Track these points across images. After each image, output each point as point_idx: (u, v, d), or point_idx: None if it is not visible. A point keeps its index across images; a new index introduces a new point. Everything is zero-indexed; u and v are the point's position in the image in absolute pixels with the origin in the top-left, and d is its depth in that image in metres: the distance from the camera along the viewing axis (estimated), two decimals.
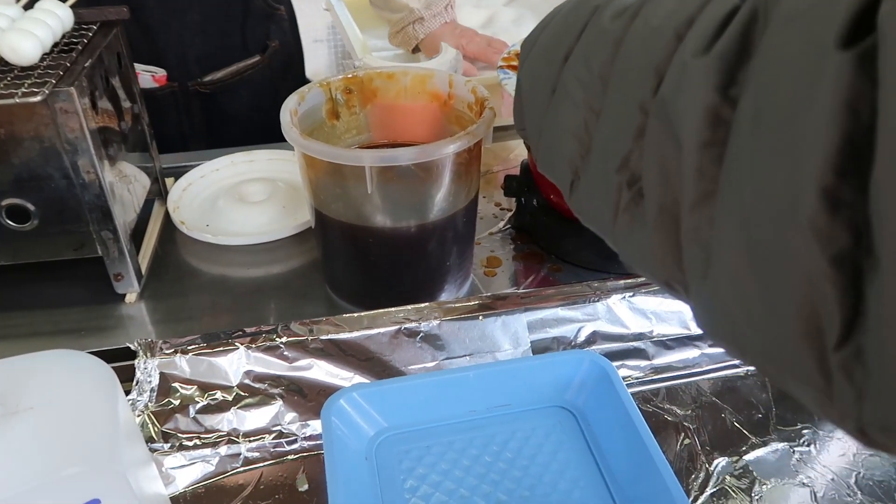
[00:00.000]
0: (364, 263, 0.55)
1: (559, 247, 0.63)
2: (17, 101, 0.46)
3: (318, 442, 0.45)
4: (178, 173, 0.73)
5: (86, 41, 0.55)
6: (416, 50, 0.95)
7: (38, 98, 0.47)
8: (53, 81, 0.48)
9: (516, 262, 0.64)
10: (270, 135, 0.84)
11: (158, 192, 0.69)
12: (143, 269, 0.60)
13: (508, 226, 0.67)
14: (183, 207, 0.68)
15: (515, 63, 0.62)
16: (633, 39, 0.25)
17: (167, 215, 0.68)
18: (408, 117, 0.61)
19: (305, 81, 1.06)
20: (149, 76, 0.84)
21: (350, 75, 0.58)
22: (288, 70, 0.99)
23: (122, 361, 0.46)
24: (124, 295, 0.58)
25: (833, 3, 0.16)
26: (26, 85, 0.48)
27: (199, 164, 0.74)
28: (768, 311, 0.18)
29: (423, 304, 0.50)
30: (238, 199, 0.69)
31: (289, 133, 0.49)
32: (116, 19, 0.59)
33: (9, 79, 0.49)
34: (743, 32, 0.19)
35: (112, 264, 0.56)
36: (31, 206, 0.52)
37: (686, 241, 0.22)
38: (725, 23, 0.20)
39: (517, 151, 0.80)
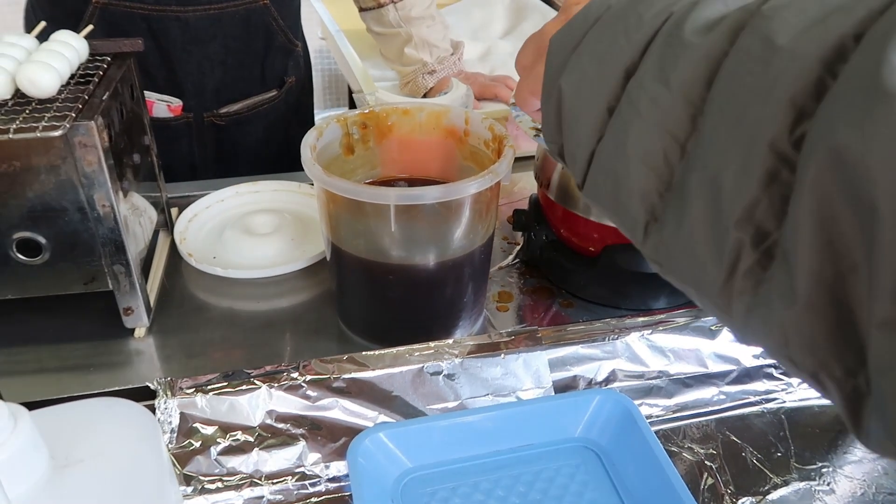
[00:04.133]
0: (381, 299, 0.55)
1: (570, 282, 0.63)
2: (38, 135, 0.46)
3: (341, 483, 0.45)
4: (180, 204, 0.72)
5: (101, 73, 0.55)
6: (424, 96, 0.96)
7: (59, 132, 0.46)
8: (73, 115, 0.47)
9: (527, 297, 0.64)
10: (278, 167, 0.83)
11: (164, 223, 0.68)
12: (152, 303, 0.59)
13: (517, 260, 0.68)
14: (189, 239, 0.67)
15: None
16: (746, 60, 0.21)
17: (173, 246, 0.67)
18: (422, 152, 0.62)
19: (313, 116, 1.07)
20: (164, 105, 0.84)
21: (367, 111, 0.59)
22: (299, 105, 0.99)
23: (140, 400, 0.45)
24: (133, 329, 0.57)
25: None
26: (46, 118, 0.47)
27: (202, 195, 0.73)
28: None
29: (444, 342, 0.49)
30: (245, 231, 0.68)
31: (311, 169, 0.49)
32: (131, 51, 0.59)
33: (27, 111, 0.48)
34: None
35: (123, 298, 0.55)
36: (42, 240, 0.51)
37: (881, 338, 0.17)
38: None
39: (521, 184, 0.81)
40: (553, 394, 0.49)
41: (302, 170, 0.50)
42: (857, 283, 0.17)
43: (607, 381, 0.51)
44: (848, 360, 0.18)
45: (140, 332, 0.57)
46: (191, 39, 0.83)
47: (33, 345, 0.56)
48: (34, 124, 0.46)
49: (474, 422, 0.46)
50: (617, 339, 0.51)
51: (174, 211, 0.71)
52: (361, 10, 0.97)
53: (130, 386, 0.50)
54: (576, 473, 0.46)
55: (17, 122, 0.47)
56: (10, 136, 0.46)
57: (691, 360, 0.52)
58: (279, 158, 0.98)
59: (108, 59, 0.57)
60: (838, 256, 0.18)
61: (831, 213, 0.18)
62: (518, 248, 0.69)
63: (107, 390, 0.50)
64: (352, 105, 1.46)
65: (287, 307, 0.62)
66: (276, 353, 0.56)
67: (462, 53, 0.97)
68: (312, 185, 0.74)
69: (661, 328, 0.52)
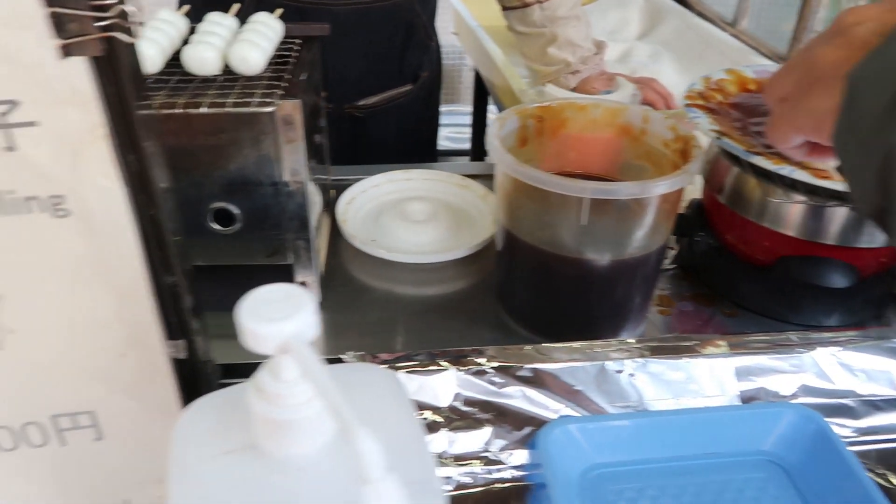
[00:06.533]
0: (554, 292, 0.55)
1: (735, 291, 0.61)
2: (253, 110, 0.48)
3: (524, 473, 0.45)
4: (336, 187, 0.74)
5: (296, 55, 0.57)
6: None
7: (271, 108, 0.48)
8: (280, 93, 0.49)
9: (686, 303, 0.62)
10: (406, 159, 0.84)
11: (326, 204, 0.70)
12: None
13: (675, 265, 0.66)
14: (349, 221, 0.69)
15: (700, 102, 0.61)
16: None
17: (333, 227, 0.69)
18: (589, 149, 0.61)
19: (438, 111, 1.08)
20: None
21: (545, 104, 0.59)
22: (429, 100, 1.01)
23: None
24: None
25: None
26: (258, 94, 0.49)
27: (356, 179, 0.75)
28: None
29: (628, 340, 0.49)
30: (401, 217, 0.69)
31: (503, 158, 0.49)
32: (319, 35, 0.61)
33: (237, 88, 0.50)
34: None
35: (301, 272, 0.57)
36: (236, 211, 0.53)
37: None
38: None
39: None
40: (738, 403, 0.48)
41: (437, 160, 0.50)
42: None
43: (794, 395, 0.49)
44: None
45: None
46: (339, 32, 0.84)
47: (214, 311, 0.58)
48: (247, 99, 0.49)
49: (661, 424, 0.45)
50: (804, 353, 0.49)
51: (331, 193, 0.73)
52: (505, 8, 0.97)
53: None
54: (765, 488, 0.44)
55: (232, 97, 0.49)
56: (227, 109, 0.48)
57: (882, 382, 0.49)
58: (407, 151, 0.99)
59: (298, 41, 0.59)
60: None
61: None
62: (674, 252, 0.68)
63: None
64: (480, 100, 1.46)
65: (445, 294, 0.63)
66: (440, 339, 0.57)
67: (605, 53, 0.96)
68: (464, 176, 0.75)
69: (850, 346, 0.50)
